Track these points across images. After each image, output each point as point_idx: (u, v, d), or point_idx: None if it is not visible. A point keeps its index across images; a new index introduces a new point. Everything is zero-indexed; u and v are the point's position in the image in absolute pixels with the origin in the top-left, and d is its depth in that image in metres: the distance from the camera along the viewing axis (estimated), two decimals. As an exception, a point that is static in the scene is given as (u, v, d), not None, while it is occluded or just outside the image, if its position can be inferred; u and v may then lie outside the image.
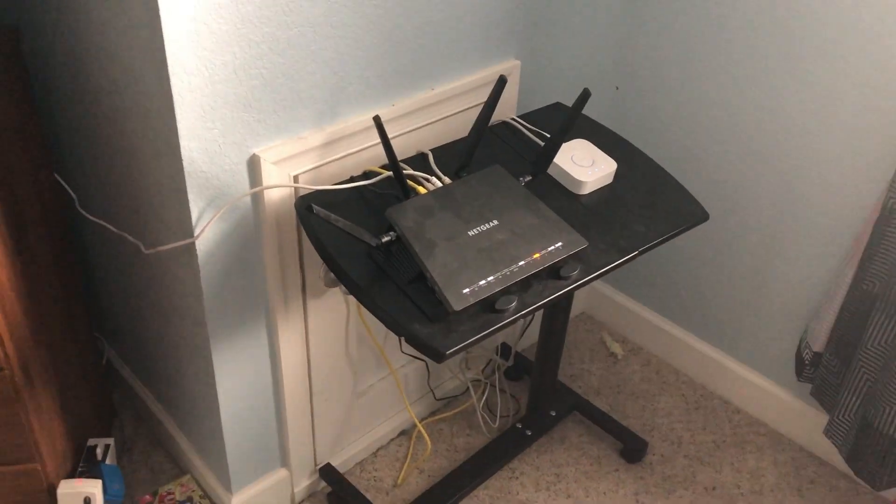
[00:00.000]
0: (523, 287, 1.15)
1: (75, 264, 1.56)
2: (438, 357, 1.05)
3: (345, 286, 1.15)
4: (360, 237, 1.13)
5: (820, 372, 1.64)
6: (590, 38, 1.71)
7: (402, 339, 1.08)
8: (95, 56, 1.24)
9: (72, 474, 1.48)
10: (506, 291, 1.13)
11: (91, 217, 1.44)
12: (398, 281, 1.14)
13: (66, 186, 1.48)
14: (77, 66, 1.32)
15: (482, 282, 1.11)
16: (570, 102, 1.58)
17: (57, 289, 1.45)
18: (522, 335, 1.95)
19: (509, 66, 1.52)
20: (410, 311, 1.10)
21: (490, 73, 1.48)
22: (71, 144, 1.50)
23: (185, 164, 1.14)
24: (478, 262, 1.13)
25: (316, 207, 1.10)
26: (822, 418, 1.79)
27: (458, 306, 1.08)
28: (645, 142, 1.86)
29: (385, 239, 1.15)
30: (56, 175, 1.48)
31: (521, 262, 1.14)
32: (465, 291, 1.09)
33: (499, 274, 1.12)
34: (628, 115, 1.87)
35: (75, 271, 1.56)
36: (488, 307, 1.12)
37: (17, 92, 1.32)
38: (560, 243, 1.18)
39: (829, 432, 1.61)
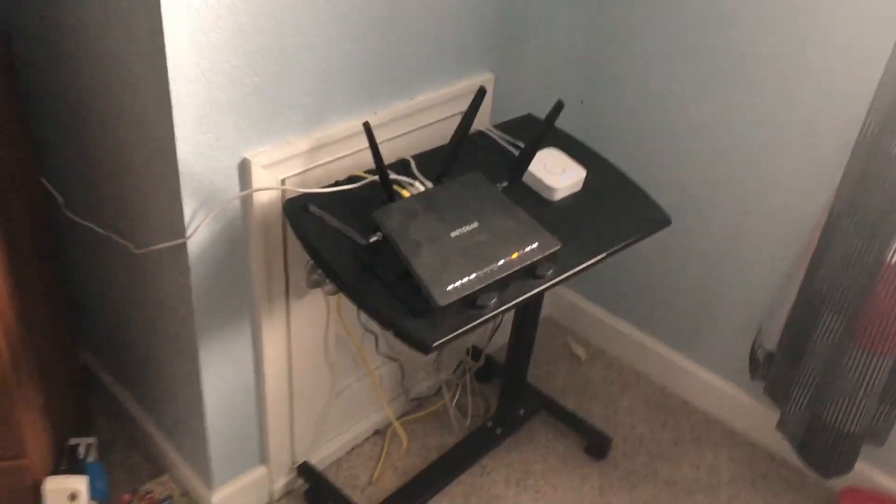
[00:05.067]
0: (502, 286, 1.22)
1: (59, 267, 1.59)
2: (426, 349, 1.12)
3: (334, 284, 1.21)
4: (352, 237, 1.19)
5: (772, 370, 1.75)
6: (557, 54, 1.80)
7: (391, 332, 1.15)
8: (89, 62, 1.29)
9: (54, 473, 1.50)
10: (486, 289, 1.20)
11: (78, 219, 1.48)
12: (384, 279, 1.20)
13: (52, 190, 1.51)
14: (68, 71, 1.36)
15: (465, 279, 1.18)
16: (539, 114, 1.67)
17: (43, 291, 1.48)
18: (492, 338, 2.02)
19: (484, 78, 1.60)
20: (397, 308, 1.17)
21: (466, 84, 1.56)
22: (56, 147, 1.54)
23: (180, 166, 1.19)
24: (460, 261, 1.20)
25: (312, 207, 1.16)
26: (774, 415, 1.89)
27: (442, 302, 1.15)
28: (607, 152, 1.95)
29: (372, 239, 1.21)
30: (42, 178, 1.51)
31: (501, 262, 1.22)
32: (448, 288, 1.16)
33: (480, 272, 1.19)
34: (592, 127, 1.96)
35: (60, 274, 1.59)
36: (470, 304, 1.19)
37: (8, 95, 1.35)
38: (536, 244, 1.26)
39: (781, 426, 1.72)
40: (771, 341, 1.73)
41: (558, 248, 1.27)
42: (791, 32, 1.57)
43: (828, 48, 1.53)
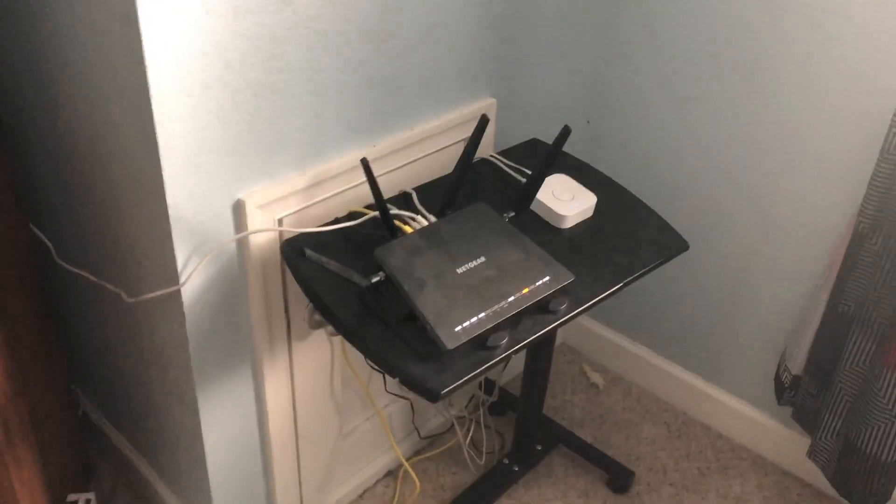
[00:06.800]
0: (513, 323, 1.16)
1: (52, 316, 1.53)
2: (434, 397, 1.05)
3: (335, 329, 1.15)
4: (351, 279, 1.13)
5: (800, 395, 1.67)
6: (561, 76, 1.75)
7: (397, 379, 1.08)
8: (74, 105, 1.23)
9: (52, 532, 1.43)
10: (496, 328, 1.13)
11: (70, 267, 1.42)
12: (389, 321, 1.13)
13: (43, 237, 1.46)
14: (53, 115, 1.31)
15: (473, 319, 1.11)
16: (544, 138, 1.61)
17: (35, 342, 1.42)
18: (504, 369, 1.95)
19: (486, 104, 1.55)
20: (402, 352, 1.10)
21: (467, 111, 1.50)
22: (45, 194, 1.49)
23: (170, 210, 1.14)
24: (468, 299, 1.13)
25: (308, 251, 1.10)
26: (804, 440, 1.81)
27: (450, 345, 1.08)
28: (616, 174, 1.89)
29: (374, 279, 1.15)
30: (32, 226, 1.46)
31: (511, 298, 1.15)
32: (456, 329, 1.10)
33: (489, 311, 1.13)
34: (600, 148, 1.90)
35: (52, 323, 1.53)
36: (480, 344, 1.12)
37: (-7, 143, 1.30)
38: (547, 278, 1.19)
39: (812, 454, 1.63)
40: (797, 365, 1.65)
41: (571, 280, 1.20)
42: (805, 48, 1.50)
43: (846, 62, 1.47)
